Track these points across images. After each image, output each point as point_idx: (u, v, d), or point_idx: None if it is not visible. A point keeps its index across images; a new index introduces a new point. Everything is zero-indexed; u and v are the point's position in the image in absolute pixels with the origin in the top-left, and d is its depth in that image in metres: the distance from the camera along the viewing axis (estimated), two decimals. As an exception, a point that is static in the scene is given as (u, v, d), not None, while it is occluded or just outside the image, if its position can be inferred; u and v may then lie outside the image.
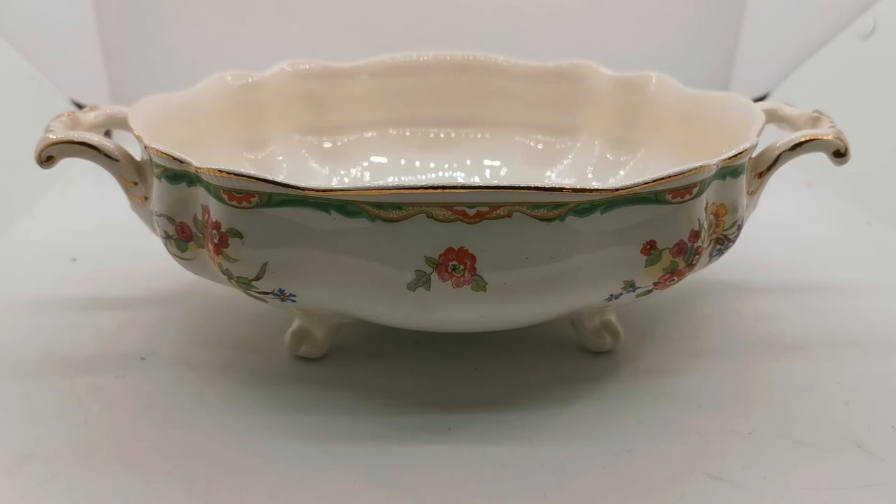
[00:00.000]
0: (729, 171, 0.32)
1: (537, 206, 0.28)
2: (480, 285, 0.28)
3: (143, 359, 0.36)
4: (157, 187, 0.32)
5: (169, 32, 0.69)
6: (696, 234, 0.31)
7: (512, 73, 0.48)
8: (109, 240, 0.49)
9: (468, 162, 0.48)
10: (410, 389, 0.34)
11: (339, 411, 0.33)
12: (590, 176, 0.46)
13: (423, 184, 0.43)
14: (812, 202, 0.58)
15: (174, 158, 0.30)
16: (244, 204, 0.29)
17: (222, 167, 0.29)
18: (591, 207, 0.28)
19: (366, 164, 0.48)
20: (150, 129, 0.34)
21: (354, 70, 0.47)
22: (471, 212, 0.27)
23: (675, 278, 0.31)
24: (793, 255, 0.49)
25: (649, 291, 0.31)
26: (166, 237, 0.33)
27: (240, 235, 0.29)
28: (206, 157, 0.36)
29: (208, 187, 0.30)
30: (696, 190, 0.30)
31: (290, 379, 0.35)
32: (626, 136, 0.46)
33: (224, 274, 0.30)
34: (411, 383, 0.35)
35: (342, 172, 0.47)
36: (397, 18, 0.69)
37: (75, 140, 0.33)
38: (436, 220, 0.28)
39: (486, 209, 0.27)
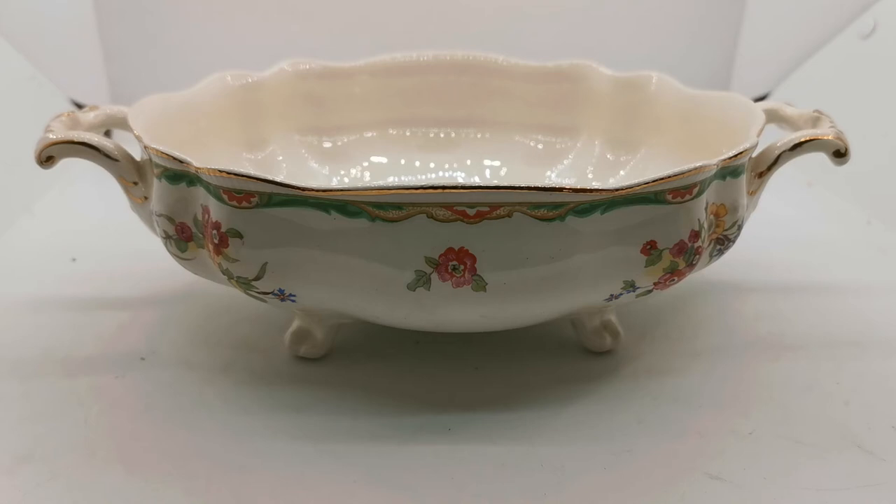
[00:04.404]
0: (729, 171, 0.32)
1: (537, 206, 0.28)
2: (480, 285, 0.28)
3: (143, 359, 0.36)
4: (157, 187, 0.32)
5: (169, 32, 0.69)
6: (696, 234, 0.31)
7: (512, 73, 0.48)
8: (109, 240, 0.49)
9: (468, 162, 0.48)
10: (410, 389, 0.34)
11: (339, 411, 0.33)
12: (590, 176, 0.46)
13: (423, 184, 0.43)
14: (812, 202, 0.58)
15: (174, 158, 0.30)
16: (244, 204, 0.29)
17: (222, 167, 0.29)
18: (591, 207, 0.28)
19: (366, 164, 0.48)
20: (150, 129, 0.34)
21: (354, 70, 0.47)
22: (471, 212, 0.27)
23: (676, 278, 0.31)
24: (793, 255, 0.49)
25: (649, 291, 0.31)
26: (166, 237, 0.33)
27: (240, 235, 0.29)
28: (206, 157, 0.36)
29: (208, 187, 0.30)
30: (696, 190, 0.30)
31: (290, 379, 0.35)
32: (626, 136, 0.46)
33: (224, 274, 0.30)
34: (411, 383, 0.35)
35: (342, 172, 0.47)
36: (397, 18, 0.69)
37: (75, 140, 0.33)
38: (436, 220, 0.28)
39: (486, 209, 0.27)
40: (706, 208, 0.32)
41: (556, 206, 0.28)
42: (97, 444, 0.30)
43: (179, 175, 0.31)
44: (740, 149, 0.32)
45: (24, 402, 0.33)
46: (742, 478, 0.29)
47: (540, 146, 0.48)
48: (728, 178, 0.33)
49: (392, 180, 0.47)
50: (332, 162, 0.47)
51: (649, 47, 0.72)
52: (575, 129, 0.47)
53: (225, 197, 0.29)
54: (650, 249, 0.30)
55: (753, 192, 0.36)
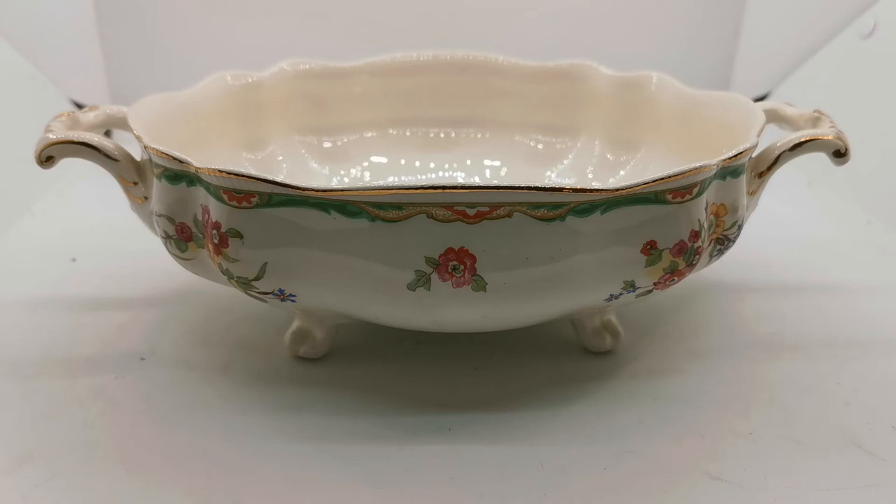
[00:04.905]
0: (729, 171, 0.32)
1: (537, 206, 0.28)
2: (480, 285, 0.28)
3: (143, 359, 0.36)
4: (157, 187, 0.32)
5: (169, 32, 0.69)
6: (696, 235, 0.31)
7: (512, 73, 0.48)
8: (109, 240, 0.49)
9: (468, 162, 0.48)
10: (410, 389, 0.34)
11: (339, 411, 0.33)
12: (590, 176, 0.46)
13: (423, 184, 0.43)
14: (812, 202, 0.58)
15: (174, 158, 0.30)
16: (244, 204, 0.29)
17: (222, 167, 0.29)
18: (591, 207, 0.28)
19: (366, 164, 0.48)
20: (150, 129, 0.34)
21: (354, 70, 0.47)
22: (471, 212, 0.27)
23: (676, 278, 0.31)
24: (793, 255, 0.49)
25: (649, 291, 0.31)
26: (166, 237, 0.33)
27: (240, 235, 0.29)
28: (206, 157, 0.36)
29: (208, 187, 0.30)
30: (696, 190, 0.30)
31: (290, 379, 0.35)
32: (626, 136, 0.46)
33: (224, 274, 0.30)
34: (411, 383, 0.35)
35: (342, 172, 0.47)
36: (397, 18, 0.69)
37: (75, 140, 0.33)
38: (436, 220, 0.28)
39: (486, 209, 0.27)
40: (706, 208, 0.32)
41: (556, 206, 0.28)
42: (97, 444, 0.30)
43: (179, 175, 0.31)
44: (740, 149, 0.32)
45: (24, 402, 0.33)
46: (742, 478, 0.29)
47: (540, 146, 0.48)
48: (728, 178, 0.33)
49: (392, 180, 0.47)
50: (332, 162, 0.47)
51: (649, 47, 0.72)
52: (575, 129, 0.47)
53: (225, 197, 0.29)
54: (650, 249, 0.30)
55: (753, 192, 0.36)
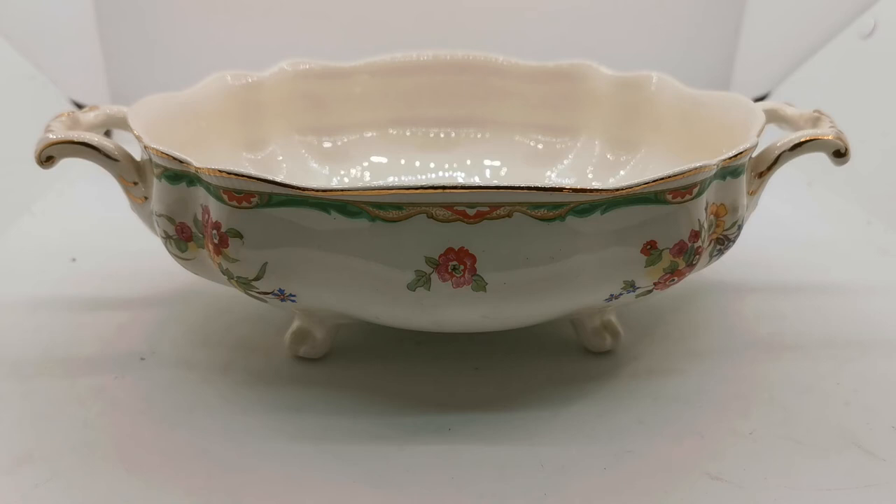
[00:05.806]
0: (729, 171, 0.32)
1: (537, 206, 0.28)
2: (480, 285, 0.28)
3: (143, 359, 0.36)
4: (157, 187, 0.32)
5: (169, 33, 0.69)
6: (696, 234, 0.31)
7: (512, 73, 0.48)
8: (109, 240, 0.49)
9: (468, 162, 0.48)
10: (410, 389, 0.34)
11: (339, 411, 0.33)
12: (590, 176, 0.46)
13: (423, 184, 0.43)
14: (812, 202, 0.58)
15: (174, 158, 0.30)
16: (244, 204, 0.29)
17: (222, 167, 0.29)
18: (591, 207, 0.28)
19: (366, 164, 0.48)
20: (150, 129, 0.34)
21: (354, 70, 0.47)
22: (471, 212, 0.27)
23: (676, 278, 0.31)
24: (793, 255, 0.49)
25: (649, 291, 0.31)
26: (166, 237, 0.33)
27: (240, 235, 0.29)
28: (206, 157, 0.36)
29: (208, 187, 0.30)
30: (696, 190, 0.30)
31: (290, 379, 0.35)
32: (627, 135, 0.46)
33: (224, 274, 0.30)
34: (411, 383, 0.35)
35: (342, 172, 0.47)
36: (397, 18, 0.69)
37: (75, 140, 0.33)
38: (436, 220, 0.28)
39: (486, 209, 0.27)
40: (706, 208, 0.32)
41: (556, 206, 0.28)
42: (97, 444, 0.30)
43: (179, 175, 0.31)
44: (740, 149, 0.32)
45: (24, 402, 0.33)
46: (742, 478, 0.29)
47: (540, 146, 0.48)
48: (728, 178, 0.33)
49: (392, 180, 0.47)
50: (332, 162, 0.47)
51: (649, 47, 0.72)
52: (575, 129, 0.47)
53: (225, 197, 0.29)
54: (650, 249, 0.30)
55: (753, 192, 0.36)
